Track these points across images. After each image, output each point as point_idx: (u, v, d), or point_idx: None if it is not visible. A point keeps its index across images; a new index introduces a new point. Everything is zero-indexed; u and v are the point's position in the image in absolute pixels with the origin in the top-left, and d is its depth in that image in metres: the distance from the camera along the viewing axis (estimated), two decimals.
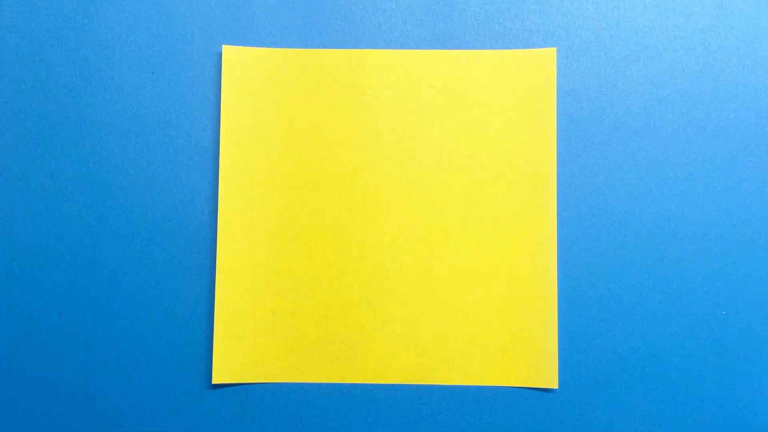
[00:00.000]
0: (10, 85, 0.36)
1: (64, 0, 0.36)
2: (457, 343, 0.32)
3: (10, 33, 0.36)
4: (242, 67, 0.35)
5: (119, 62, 0.36)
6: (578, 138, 0.35)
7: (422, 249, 0.34)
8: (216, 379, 0.32)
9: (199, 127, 0.35)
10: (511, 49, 0.35)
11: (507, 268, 0.34)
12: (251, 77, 0.35)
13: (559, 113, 0.35)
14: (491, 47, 0.35)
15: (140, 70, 0.36)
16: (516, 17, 0.36)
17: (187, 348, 0.34)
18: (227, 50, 0.35)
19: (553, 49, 0.35)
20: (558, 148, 0.35)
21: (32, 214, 0.35)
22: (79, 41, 0.36)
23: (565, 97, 0.35)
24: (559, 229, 0.35)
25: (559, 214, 0.35)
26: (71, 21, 0.36)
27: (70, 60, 0.36)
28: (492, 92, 0.35)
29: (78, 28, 0.36)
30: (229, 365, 0.33)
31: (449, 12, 0.36)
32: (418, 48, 0.35)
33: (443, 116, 0.35)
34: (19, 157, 0.35)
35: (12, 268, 0.35)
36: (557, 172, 0.35)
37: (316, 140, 0.35)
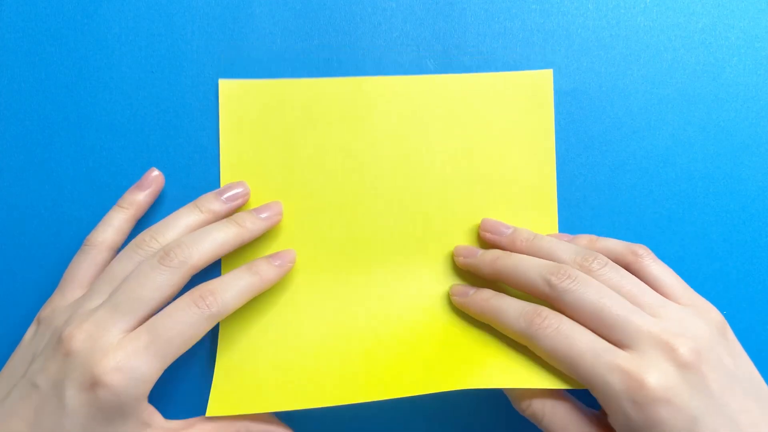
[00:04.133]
0: (10, 85, 0.36)
1: (64, 0, 0.36)
2: (465, 350, 0.31)
3: (10, 33, 0.36)
4: (240, 99, 0.35)
5: (119, 62, 0.36)
6: (578, 138, 0.35)
7: (426, 273, 0.34)
8: (210, 412, 0.30)
9: (199, 128, 0.35)
10: (509, 71, 0.35)
11: None
12: (249, 109, 0.35)
13: (558, 113, 0.35)
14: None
15: (140, 70, 0.36)
16: (516, 16, 0.36)
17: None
18: (224, 84, 0.35)
19: (550, 71, 0.35)
20: (558, 149, 0.35)
21: (32, 214, 0.35)
22: (79, 41, 0.36)
23: (565, 97, 0.35)
24: (559, 230, 0.35)
25: (559, 214, 0.35)
26: (71, 21, 0.36)
27: (70, 60, 0.36)
28: (491, 115, 0.35)
29: (78, 28, 0.36)
30: (228, 397, 0.31)
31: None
32: (416, 73, 0.35)
33: (443, 140, 0.35)
34: (19, 157, 0.35)
35: (12, 268, 0.35)
36: (557, 173, 0.35)
37: (316, 169, 0.35)
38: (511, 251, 0.32)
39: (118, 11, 0.36)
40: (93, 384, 0.26)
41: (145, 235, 0.31)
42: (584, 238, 0.33)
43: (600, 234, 0.34)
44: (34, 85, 0.36)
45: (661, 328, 0.27)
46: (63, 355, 0.27)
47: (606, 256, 0.31)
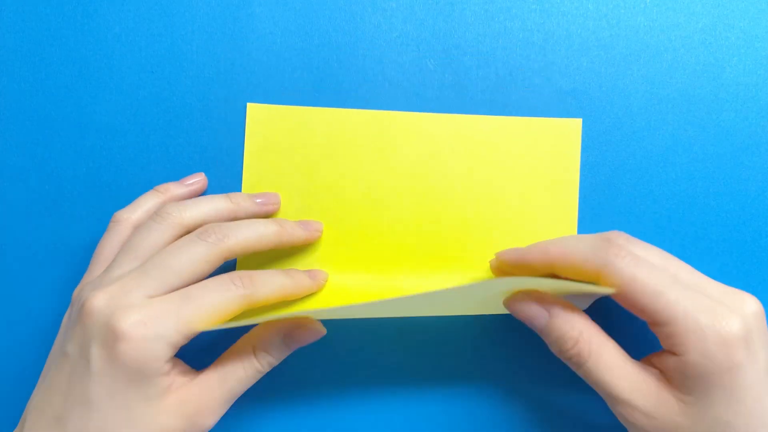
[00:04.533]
0: (10, 85, 0.36)
1: (63, 0, 0.36)
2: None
3: (10, 33, 0.36)
4: (266, 124, 0.35)
5: (119, 62, 0.36)
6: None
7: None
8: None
9: (198, 128, 0.35)
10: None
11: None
12: (274, 134, 0.35)
13: (559, 114, 0.35)
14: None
15: (140, 70, 0.36)
16: (516, 16, 0.36)
17: None
18: (251, 108, 0.35)
19: (579, 120, 0.35)
20: None
21: (32, 214, 0.35)
22: (79, 41, 0.36)
23: (565, 97, 0.35)
24: None
25: None
26: (71, 21, 0.36)
27: (70, 60, 0.36)
28: (513, 158, 0.35)
29: (78, 28, 0.36)
30: None
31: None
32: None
33: (464, 180, 0.35)
34: (19, 157, 0.35)
35: (12, 268, 0.35)
36: None
37: (336, 198, 0.35)
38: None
39: (118, 11, 0.36)
40: (115, 338, 0.26)
41: (170, 208, 0.31)
42: (539, 247, 0.30)
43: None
44: (34, 85, 0.36)
45: (720, 288, 0.27)
46: (87, 317, 0.27)
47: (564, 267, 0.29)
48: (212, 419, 0.28)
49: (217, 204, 0.32)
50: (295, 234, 0.32)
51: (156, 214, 0.31)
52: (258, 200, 0.33)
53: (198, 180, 0.34)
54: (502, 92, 0.35)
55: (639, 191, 0.35)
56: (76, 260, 0.35)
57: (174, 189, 0.34)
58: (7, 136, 0.35)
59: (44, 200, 0.35)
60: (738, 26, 0.36)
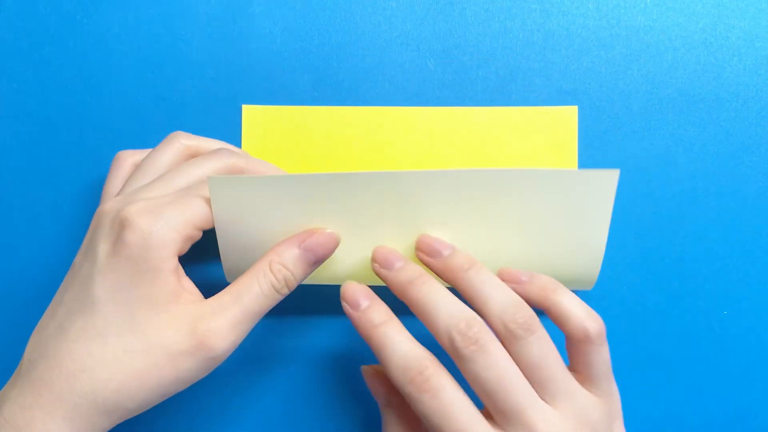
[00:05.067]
0: (10, 85, 0.36)
1: (63, 0, 0.36)
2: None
3: (10, 33, 0.36)
4: (262, 125, 0.35)
5: (119, 62, 0.36)
6: (578, 138, 0.35)
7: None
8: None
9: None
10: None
11: None
12: (271, 135, 0.35)
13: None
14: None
15: (140, 70, 0.36)
16: (516, 16, 0.36)
17: None
18: (247, 109, 0.35)
19: (575, 108, 0.35)
20: None
21: (32, 214, 0.35)
22: (79, 41, 0.36)
23: (565, 97, 0.35)
24: None
25: None
26: (71, 21, 0.36)
27: (70, 60, 0.36)
28: (512, 147, 0.35)
29: (78, 28, 0.36)
30: None
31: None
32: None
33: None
34: (19, 157, 0.35)
35: (12, 268, 0.35)
36: None
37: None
38: (444, 279, 0.28)
39: (118, 11, 0.36)
40: (122, 227, 0.25)
41: (180, 135, 0.31)
42: (538, 285, 0.28)
43: None
44: (34, 85, 0.36)
45: (545, 427, 0.25)
46: (96, 220, 0.27)
47: (556, 316, 0.27)
48: (224, 343, 0.25)
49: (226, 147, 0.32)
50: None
51: (167, 139, 0.31)
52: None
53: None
54: (502, 92, 0.35)
55: (639, 191, 0.35)
56: None
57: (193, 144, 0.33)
58: (7, 136, 0.35)
59: (44, 200, 0.35)
60: (738, 26, 0.36)
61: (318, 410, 0.34)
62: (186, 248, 0.27)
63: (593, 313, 0.27)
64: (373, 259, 0.29)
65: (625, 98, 0.35)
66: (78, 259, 0.27)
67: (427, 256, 0.29)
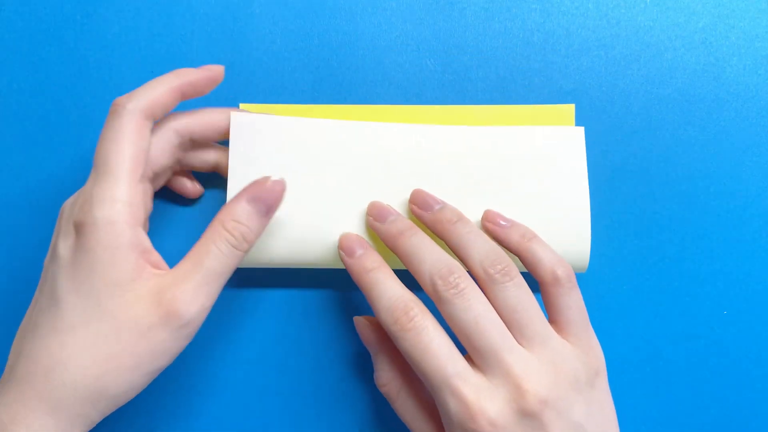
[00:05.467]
0: (10, 85, 0.36)
1: (64, 0, 0.36)
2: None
3: (10, 33, 0.36)
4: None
5: (119, 62, 0.36)
6: None
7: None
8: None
9: None
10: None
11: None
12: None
13: None
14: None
15: (140, 70, 0.36)
16: (516, 16, 0.36)
17: None
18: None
19: (572, 106, 0.35)
20: None
21: (32, 214, 0.35)
22: (79, 41, 0.36)
23: (565, 97, 0.35)
24: None
25: None
26: (71, 21, 0.36)
27: (70, 60, 0.36)
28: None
29: (78, 28, 0.36)
30: None
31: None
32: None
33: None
34: (19, 157, 0.35)
35: (12, 268, 0.35)
36: None
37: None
38: (433, 230, 0.30)
39: (118, 11, 0.36)
40: (76, 220, 0.26)
41: (120, 98, 0.29)
42: (517, 233, 0.30)
43: (599, 233, 0.34)
44: (34, 85, 0.36)
45: (522, 367, 0.26)
46: (57, 224, 0.28)
47: (529, 263, 0.29)
48: (191, 308, 0.26)
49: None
50: (190, 74, 0.30)
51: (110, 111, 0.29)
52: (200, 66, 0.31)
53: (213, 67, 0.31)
54: (502, 92, 0.35)
55: (639, 191, 0.35)
56: None
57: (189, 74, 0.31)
58: (7, 136, 0.35)
59: (44, 200, 0.35)
60: (738, 26, 0.36)
61: (319, 409, 0.35)
62: (143, 203, 0.27)
63: (563, 261, 0.29)
64: (368, 213, 0.31)
65: (625, 98, 0.35)
66: (46, 259, 0.28)
67: (419, 208, 0.31)
